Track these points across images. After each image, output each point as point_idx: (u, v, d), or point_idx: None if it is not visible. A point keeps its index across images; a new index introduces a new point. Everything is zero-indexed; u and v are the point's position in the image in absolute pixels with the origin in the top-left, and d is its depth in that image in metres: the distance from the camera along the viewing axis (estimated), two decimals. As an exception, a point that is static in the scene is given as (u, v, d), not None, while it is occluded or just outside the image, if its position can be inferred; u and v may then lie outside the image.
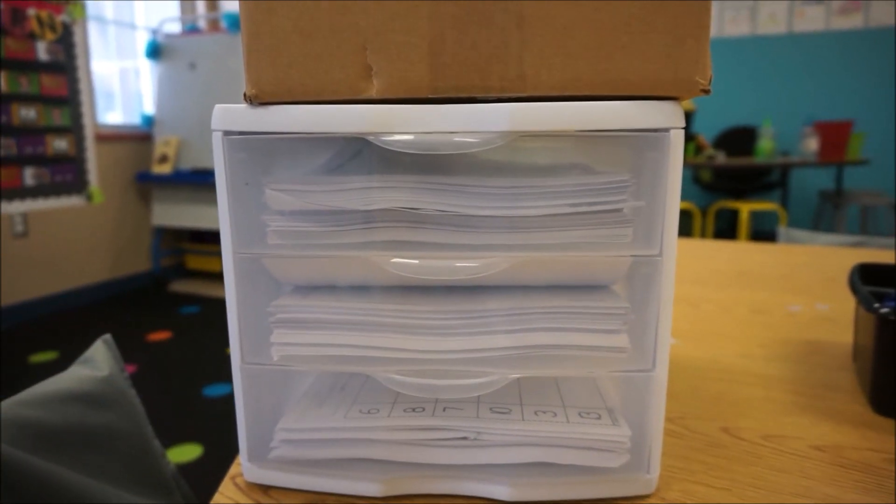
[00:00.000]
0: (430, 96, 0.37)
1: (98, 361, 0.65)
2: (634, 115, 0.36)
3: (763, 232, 4.89)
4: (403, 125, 0.37)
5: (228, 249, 0.40)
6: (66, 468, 0.55)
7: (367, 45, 0.36)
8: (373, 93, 0.37)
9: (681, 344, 0.72)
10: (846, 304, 0.88)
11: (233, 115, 0.38)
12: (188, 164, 3.76)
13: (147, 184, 3.97)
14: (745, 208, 3.93)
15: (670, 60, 0.35)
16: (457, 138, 0.37)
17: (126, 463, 0.62)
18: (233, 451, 1.89)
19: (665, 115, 0.36)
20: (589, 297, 0.42)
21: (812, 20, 4.63)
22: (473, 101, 0.37)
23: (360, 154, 0.42)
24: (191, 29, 3.98)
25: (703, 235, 4.44)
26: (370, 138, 0.37)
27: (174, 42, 3.83)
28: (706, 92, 0.35)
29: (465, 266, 0.39)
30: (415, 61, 0.36)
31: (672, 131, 0.36)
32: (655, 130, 0.36)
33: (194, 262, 4.17)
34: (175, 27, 4.03)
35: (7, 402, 0.53)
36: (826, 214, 4.38)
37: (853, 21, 4.53)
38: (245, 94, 0.38)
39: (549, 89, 0.36)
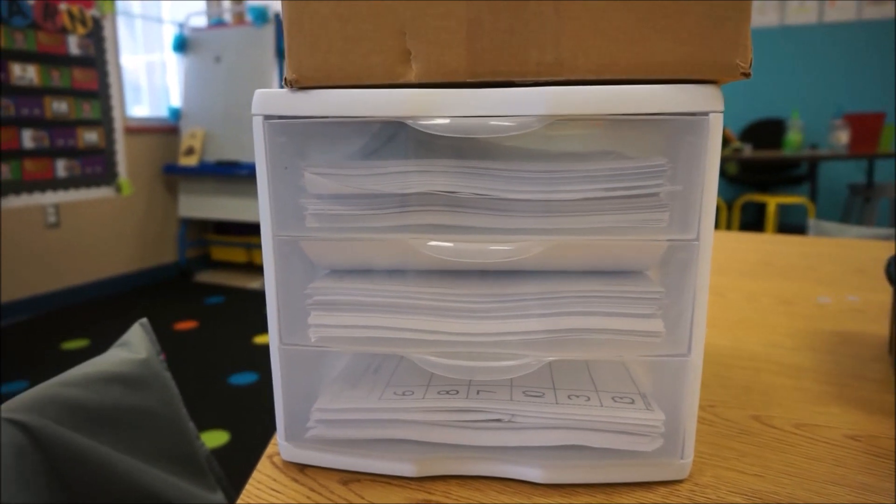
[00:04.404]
0: (467, 80, 0.37)
1: (135, 344, 0.66)
2: (673, 99, 0.36)
3: (790, 226, 4.81)
4: (441, 109, 0.37)
5: (268, 232, 0.41)
6: (106, 446, 0.56)
7: (405, 29, 0.37)
8: (411, 77, 0.37)
9: (707, 333, 0.72)
10: (878, 295, 0.86)
11: (273, 99, 0.39)
12: (213, 156, 3.80)
13: (173, 176, 4.03)
14: (773, 202, 3.86)
15: (709, 43, 0.35)
16: (493, 122, 0.37)
17: (161, 443, 0.64)
18: (259, 437, 1.92)
19: (704, 99, 0.36)
20: (623, 282, 0.42)
21: (843, 10, 4.53)
22: (510, 86, 0.37)
23: (395, 138, 0.43)
24: (216, 22, 4.02)
25: (728, 229, 4.38)
26: (408, 122, 0.38)
27: (200, 35, 3.87)
28: (746, 75, 0.35)
29: (499, 249, 0.39)
30: (453, 46, 0.37)
31: (711, 115, 0.36)
32: (694, 114, 0.36)
33: (219, 254, 4.23)
34: (201, 21, 4.07)
35: (50, 382, 0.55)
36: (856, 208, 4.29)
37: (886, 10, 4.41)
38: (285, 79, 0.39)
39: (586, 73, 0.36)
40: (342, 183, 0.41)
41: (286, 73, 0.38)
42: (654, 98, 0.36)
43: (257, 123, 0.39)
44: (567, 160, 0.41)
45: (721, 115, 0.36)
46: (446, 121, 0.37)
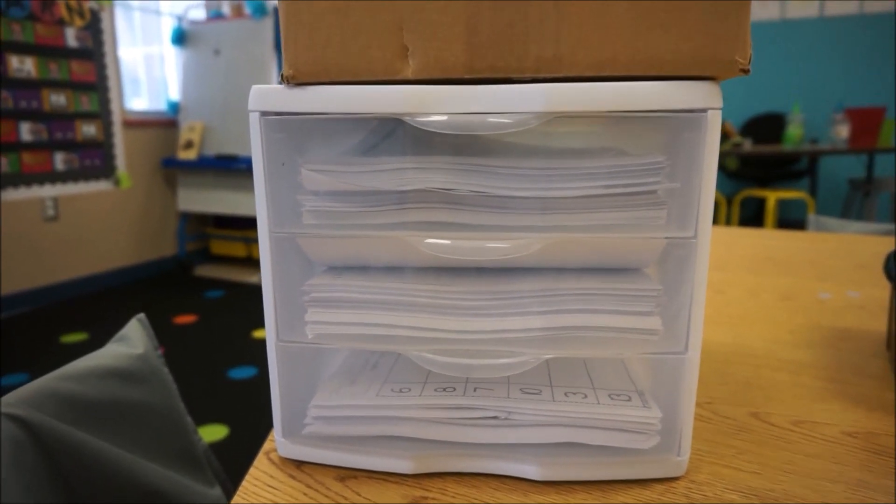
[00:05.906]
0: (465, 76, 0.37)
1: (133, 339, 0.66)
2: (672, 96, 0.35)
3: (790, 221, 4.80)
4: (439, 106, 0.37)
5: (265, 229, 0.40)
6: (103, 440, 0.56)
7: (403, 24, 0.36)
8: (409, 73, 0.37)
9: (707, 329, 0.71)
10: (878, 291, 0.86)
11: (270, 95, 0.39)
12: (212, 149, 3.79)
13: (173, 169, 4.02)
14: (772, 196, 3.86)
15: (709, 39, 0.35)
16: (492, 119, 0.37)
17: (159, 437, 0.64)
18: (258, 431, 1.92)
19: (703, 96, 0.35)
20: (621, 280, 0.42)
21: (844, 3, 4.51)
22: (509, 82, 0.37)
23: (393, 134, 0.43)
24: (215, 15, 4.00)
25: (728, 224, 4.38)
26: (405, 119, 0.38)
27: (199, 28, 3.86)
28: (745, 72, 0.35)
29: (497, 247, 0.39)
30: (451, 41, 0.36)
31: (709, 112, 0.36)
32: (692, 111, 0.36)
33: (218, 247, 4.23)
34: (200, 14, 4.05)
35: (48, 377, 0.55)
36: (856, 203, 4.29)
37: (886, 4, 4.40)
38: (282, 75, 0.38)
39: (586, 69, 0.36)
40: (339, 179, 0.41)
41: (283, 69, 0.38)
42: (653, 95, 0.36)
43: (254, 119, 0.39)
44: (565, 157, 0.40)
45: (719, 112, 0.36)
46: (444, 117, 0.37)
